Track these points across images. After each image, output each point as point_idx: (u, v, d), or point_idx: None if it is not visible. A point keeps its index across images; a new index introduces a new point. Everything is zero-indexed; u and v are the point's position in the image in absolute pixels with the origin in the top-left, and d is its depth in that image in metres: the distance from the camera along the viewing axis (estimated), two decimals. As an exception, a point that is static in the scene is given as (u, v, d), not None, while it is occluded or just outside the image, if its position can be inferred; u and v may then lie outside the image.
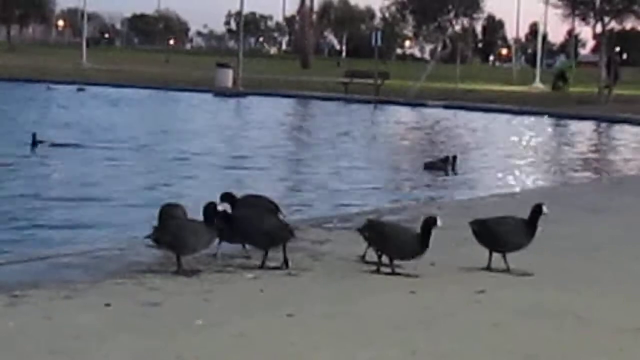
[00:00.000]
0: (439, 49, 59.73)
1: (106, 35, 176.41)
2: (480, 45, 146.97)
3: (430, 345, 5.09)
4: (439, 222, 6.60)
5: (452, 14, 73.62)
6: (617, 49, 45.79)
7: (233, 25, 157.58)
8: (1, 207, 11.31)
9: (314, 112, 35.31)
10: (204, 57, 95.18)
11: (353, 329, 5.35)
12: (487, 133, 28.04)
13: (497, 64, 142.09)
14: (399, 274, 6.70)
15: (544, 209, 6.91)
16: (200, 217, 6.63)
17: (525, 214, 7.04)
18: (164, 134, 22.74)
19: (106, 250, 7.33)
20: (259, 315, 5.56)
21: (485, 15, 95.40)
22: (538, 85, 55.56)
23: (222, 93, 41.74)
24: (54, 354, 4.70)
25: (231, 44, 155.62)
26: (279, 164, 17.69)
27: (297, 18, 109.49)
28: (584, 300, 6.30)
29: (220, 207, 6.78)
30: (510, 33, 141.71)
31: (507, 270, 6.92)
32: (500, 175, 17.08)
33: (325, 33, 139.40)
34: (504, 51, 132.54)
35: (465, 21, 78.81)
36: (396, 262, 6.78)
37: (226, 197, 7.41)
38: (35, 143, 17.48)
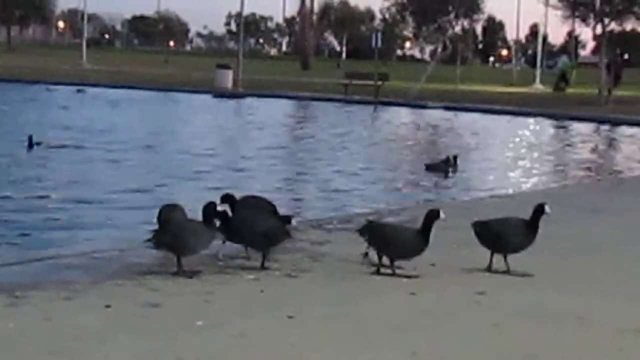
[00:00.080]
0: (439, 50, 59.80)
1: (106, 36, 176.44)
2: (480, 46, 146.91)
3: (431, 346, 5.08)
4: (441, 215, 6.60)
5: (452, 15, 73.73)
6: (618, 50, 45.74)
7: (233, 27, 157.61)
8: (1, 208, 11.31)
9: (314, 114, 35.31)
10: (204, 58, 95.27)
11: (353, 330, 5.34)
12: (487, 134, 28.04)
13: (497, 65, 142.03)
14: (399, 275, 6.70)
15: (547, 208, 6.88)
16: (200, 218, 6.63)
17: (525, 214, 7.03)
18: (164, 135, 22.73)
19: (106, 251, 7.33)
20: (259, 316, 5.56)
21: (485, 16, 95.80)
22: (538, 87, 55.60)
23: (222, 94, 41.73)
24: (54, 355, 4.69)
25: (231, 45, 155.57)
26: (279, 165, 17.68)
27: (297, 19, 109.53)
28: (584, 301, 6.30)
29: (220, 208, 6.79)
30: (510, 34, 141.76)
31: (508, 271, 6.92)
32: (500, 176, 17.09)
33: (326, 34, 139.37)
34: (504, 52, 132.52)
35: (466, 22, 78.94)
36: (397, 262, 6.78)
37: (226, 198, 7.42)
38: (31, 145, 17.44)
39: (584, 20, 48.43)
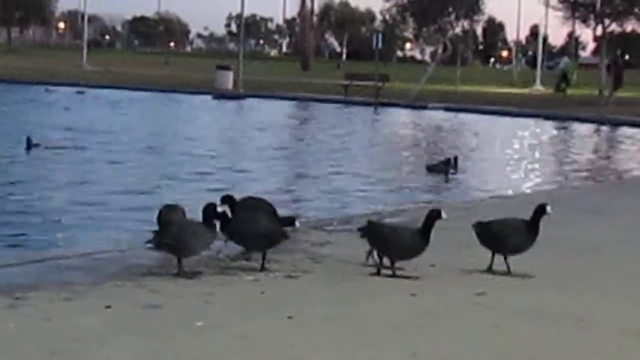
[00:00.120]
0: (440, 51, 59.69)
1: (107, 38, 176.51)
2: (480, 47, 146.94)
3: (431, 347, 5.08)
4: (443, 215, 6.60)
5: (452, 16, 73.70)
6: (619, 52, 45.72)
7: (234, 28, 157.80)
8: (1, 209, 11.31)
9: (314, 115, 35.30)
10: (205, 59, 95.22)
11: (353, 331, 5.34)
12: (488, 135, 28.04)
13: (498, 66, 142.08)
14: (399, 276, 6.69)
15: (548, 209, 6.86)
16: (200, 219, 6.64)
17: (525, 215, 7.02)
18: (164, 136, 22.73)
19: (106, 252, 7.33)
20: (260, 317, 5.56)
21: (485, 17, 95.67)
22: (538, 88, 55.57)
23: (222, 95, 41.72)
24: (54, 356, 4.69)
25: (231, 46, 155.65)
26: (279, 166, 17.68)
27: (298, 20, 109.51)
28: (585, 302, 6.30)
29: (220, 209, 6.80)
30: (510, 35, 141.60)
31: (508, 272, 6.92)
32: (500, 177, 17.09)
33: (326, 35, 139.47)
34: (505, 53, 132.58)
35: (466, 23, 78.89)
36: (398, 263, 6.77)
37: (226, 199, 7.43)
38: (29, 146, 17.43)
39: (584, 21, 48.50)
